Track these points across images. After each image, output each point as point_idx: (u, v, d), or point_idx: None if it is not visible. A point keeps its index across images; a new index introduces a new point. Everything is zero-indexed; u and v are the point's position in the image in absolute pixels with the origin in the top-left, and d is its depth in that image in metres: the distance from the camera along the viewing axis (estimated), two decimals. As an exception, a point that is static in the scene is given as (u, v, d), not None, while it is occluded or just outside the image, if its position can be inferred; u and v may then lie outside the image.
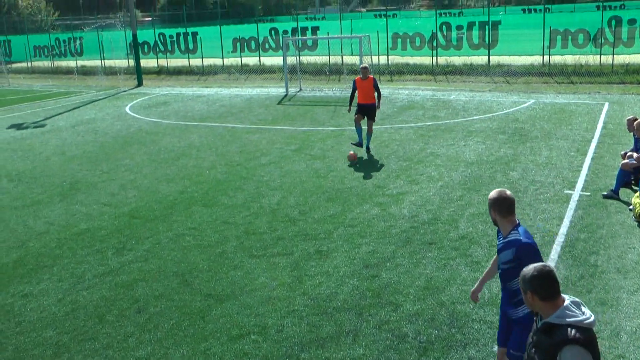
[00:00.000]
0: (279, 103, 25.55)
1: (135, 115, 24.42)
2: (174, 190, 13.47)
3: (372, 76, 16.12)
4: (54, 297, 8.79)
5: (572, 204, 11.15)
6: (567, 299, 3.96)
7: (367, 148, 15.85)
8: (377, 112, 16.23)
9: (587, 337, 3.80)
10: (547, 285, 3.95)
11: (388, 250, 9.62)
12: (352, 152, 12.88)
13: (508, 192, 5.33)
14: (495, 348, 6.83)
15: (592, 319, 3.88)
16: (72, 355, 7.27)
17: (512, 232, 5.22)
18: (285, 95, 27.78)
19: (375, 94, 15.92)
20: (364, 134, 16.01)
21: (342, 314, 7.80)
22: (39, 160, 17.33)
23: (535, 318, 4.16)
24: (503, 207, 5.25)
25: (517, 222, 5.29)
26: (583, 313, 3.91)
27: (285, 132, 19.13)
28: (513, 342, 5.40)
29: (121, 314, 8.18)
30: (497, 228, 5.50)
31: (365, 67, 16.02)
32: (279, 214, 11.52)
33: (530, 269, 3.98)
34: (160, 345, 7.37)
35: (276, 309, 8.02)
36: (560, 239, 9.69)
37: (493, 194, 5.31)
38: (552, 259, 8.96)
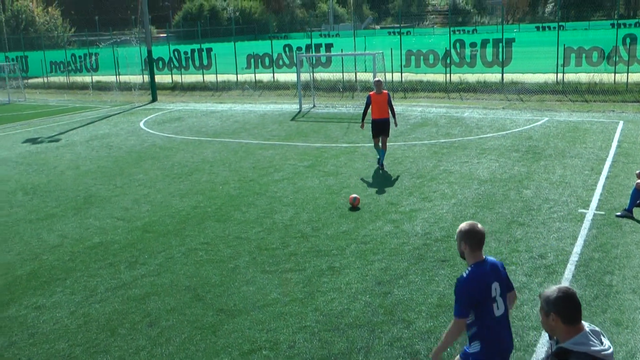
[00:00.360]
0: (293, 119, 25.63)
1: (149, 130, 24.57)
2: (187, 205, 13.51)
3: (386, 91, 16.13)
4: (66, 310, 8.82)
5: (586, 223, 11.08)
6: (587, 326, 3.87)
7: (381, 164, 15.89)
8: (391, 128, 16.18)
9: None
10: (572, 308, 3.84)
11: (400, 267, 9.60)
12: (355, 196, 12.71)
13: (480, 225, 5.23)
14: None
15: (610, 351, 3.77)
16: (84, 369, 7.29)
17: (468, 267, 5.19)
18: (299, 111, 27.87)
19: (389, 110, 15.89)
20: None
21: (354, 331, 7.77)
22: (54, 174, 17.45)
23: (550, 341, 4.08)
24: (471, 239, 5.16)
25: (482, 259, 5.20)
26: (602, 343, 3.81)
27: (299, 148, 19.18)
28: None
29: (133, 327, 8.19)
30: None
31: (379, 81, 16.04)
32: (291, 229, 11.53)
33: (554, 290, 3.86)
34: (172, 359, 7.37)
35: (288, 325, 8.00)
36: (574, 258, 9.62)
37: (464, 225, 5.21)
38: (566, 279, 8.90)
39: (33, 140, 23.57)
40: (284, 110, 28.72)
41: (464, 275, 5.09)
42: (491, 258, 5.31)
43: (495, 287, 5.14)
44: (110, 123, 27.37)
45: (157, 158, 18.87)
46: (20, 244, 11.64)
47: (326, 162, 17.03)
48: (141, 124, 26.36)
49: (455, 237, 5.29)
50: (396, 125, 16.26)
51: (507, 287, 5.33)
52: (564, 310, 3.82)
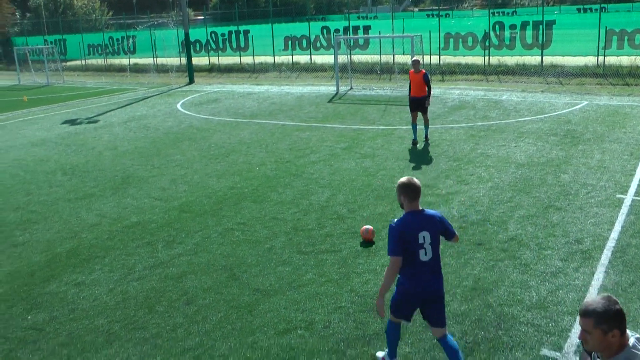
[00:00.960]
0: (330, 101, 25.59)
1: (186, 112, 24.75)
2: (223, 186, 13.61)
3: (423, 70, 16.66)
4: (105, 287, 8.98)
5: (624, 209, 10.91)
6: (631, 335, 3.53)
7: (426, 136, 16.86)
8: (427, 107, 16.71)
9: None
10: (624, 318, 3.48)
11: (436, 250, 9.56)
12: (368, 228, 10.14)
13: (416, 180, 6.01)
14: (543, 351, 6.77)
15: None
16: (123, 343, 7.42)
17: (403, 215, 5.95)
18: (336, 93, 27.81)
19: (426, 89, 16.41)
20: (419, 132, 16.92)
21: (389, 312, 7.77)
22: (92, 154, 17.71)
23: (585, 357, 3.80)
24: (408, 192, 5.92)
25: (419, 210, 5.95)
26: None
27: (336, 130, 19.16)
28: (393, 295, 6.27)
29: (170, 305, 8.31)
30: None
31: (416, 60, 16.76)
32: (327, 211, 11.56)
33: (606, 301, 3.42)
34: (208, 337, 7.47)
35: (323, 305, 8.04)
36: (611, 243, 9.49)
37: (403, 179, 5.99)
38: (602, 264, 8.78)
39: (71, 122, 23.92)
40: (321, 92, 28.69)
41: (396, 220, 5.86)
42: (431, 211, 6.05)
43: (424, 236, 5.85)
44: (148, 105, 27.64)
45: (194, 139, 19.02)
46: (60, 222, 11.86)
47: (363, 144, 17.00)
48: (178, 106, 26.57)
49: (395, 190, 6.08)
50: (427, 104, 16.60)
51: (448, 235, 6.08)
52: (623, 322, 3.46)
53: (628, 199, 11.40)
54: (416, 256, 5.86)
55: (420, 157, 15.28)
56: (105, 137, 20.24)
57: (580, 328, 3.59)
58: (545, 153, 14.89)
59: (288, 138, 18.35)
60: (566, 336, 7.02)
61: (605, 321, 3.37)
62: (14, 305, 8.60)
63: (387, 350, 6.65)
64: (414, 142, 16.52)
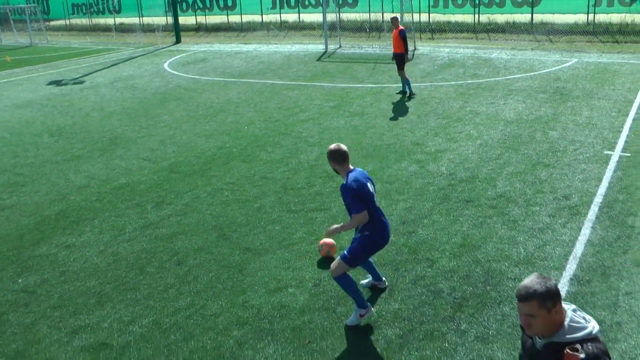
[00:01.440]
0: (318, 60, 25.41)
1: (173, 72, 24.53)
2: (212, 146, 13.57)
3: (401, 27, 17.41)
4: (95, 249, 8.98)
5: (612, 165, 10.96)
6: (567, 308, 3.44)
7: (403, 92, 17.56)
8: (406, 62, 17.38)
9: (604, 348, 3.32)
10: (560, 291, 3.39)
11: (425, 207, 9.61)
12: (328, 242, 8.26)
13: (343, 145, 6.39)
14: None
15: (597, 324, 3.40)
16: (115, 305, 7.45)
17: (345, 177, 6.29)
18: (325, 52, 27.61)
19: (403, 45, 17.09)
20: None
21: (379, 269, 7.83)
22: (79, 116, 17.56)
23: (526, 340, 3.61)
24: (338, 157, 6.31)
25: (351, 169, 6.37)
26: (588, 320, 3.41)
27: (324, 89, 19.07)
28: (350, 248, 6.50)
29: (161, 266, 8.34)
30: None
31: (394, 18, 17.65)
32: (317, 169, 11.56)
33: (543, 278, 3.33)
34: (200, 296, 7.51)
35: (313, 263, 8.09)
36: (598, 199, 9.56)
37: (332, 147, 6.37)
38: (589, 219, 8.86)
39: (57, 83, 23.66)
40: (310, 50, 28.47)
41: (346, 182, 6.20)
42: (358, 168, 6.49)
43: (370, 186, 6.38)
44: (134, 65, 27.36)
45: (182, 99, 18.89)
46: (48, 184, 11.80)
47: (352, 102, 16.94)
48: (165, 66, 26.32)
49: (328, 158, 6.40)
50: (407, 59, 17.35)
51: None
52: (560, 296, 3.37)
53: (615, 155, 11.46)
54: (375, 205, 6.38)
55: (409, 115, 15.25)
56: (92, 98, 20.05)
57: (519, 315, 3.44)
58: (534, 110, 14.89)
59: (277, 97, 18.25)
60: (554, 291, 7.09)
61: (550, 299, 3.28)
62: (4, 268, 8.60)
63: (355, 306, 6.75)
64: (403, 92, 17.55)
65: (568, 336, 3.30)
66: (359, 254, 6.50)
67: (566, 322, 3.34)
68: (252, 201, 10.27)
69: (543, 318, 3.29)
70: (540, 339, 3.42)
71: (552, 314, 3.29)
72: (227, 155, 12.85)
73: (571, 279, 7.33)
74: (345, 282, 6.57)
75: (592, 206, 9.31)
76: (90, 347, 6.67)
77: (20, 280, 8.21)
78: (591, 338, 3.30)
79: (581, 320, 3.37)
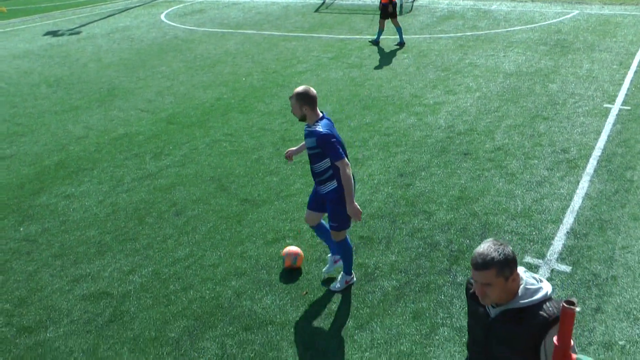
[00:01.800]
0: (316, 11, 25.11)
1: (170, 23, 24.25)
2: (210, 97, 13.52)
3: None
4: (95, 199, 9.03)
5: (611, 118, 10.96)
6: (523, 272, 3.28)
7: (399, 44, 17.57)
8: (389, 10, 17.16)
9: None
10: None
11: (423, 160, 9.64)
12: (293, 250, 7.01)
13: (312, 88, 5.93)
14: (526, 258, 6.92)
15: (549, 285, 3.26)
16: (115, 254, 7.53)
17: (315, 123, 5.89)
18: (323, 2, 27.26)
19: None
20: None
21: (376, 221, 7.90)
22: (76, 66, 17.43)
23: (476, 309, 3.40)
24: (312, 100, 5.87)
25: (321, 114, 5.97)
26: (539, 280, 3.26)
27: (322, 40, 18.90)
28: (330, 217, 6.15)
29: (160, 216, 8.39)
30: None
31: None
32: (314, 122, 11.53)
33: (501, 245, 3.14)
34: (198, 247, 7.58)
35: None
36: (597, 152, 9.58)
37: (303, 89, 5.86)
38: (587, 173, 8.89)
39: (54, 33, 23.40)
40: (308, 1, 28.12)
41: (320, 129, 5.78)
42: (325, 114, 6.05)
43: (338, 133, 6.04)
44: (131, 15, 27.03)
45: (179, 50, 18.74)
46: (47, 135, 11.79)
47: (350, 54, 16.82)
48: (162, 17, 26.00)
49: (293, 102, 5.89)
50: (389, 10, 17.17)
51: None
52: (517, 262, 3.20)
53: (615, 108, 11.44)
54: (345, 153, 6.00)
55: (407, 67, 15.16)
56: (89, 49, 19.87)
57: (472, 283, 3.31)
58: (534, 63, 14.81)
59: (274, 48, 18.10)
60: (549, 244, 7.18)
61: (507, 266, 3.09)
62: (6, 217, 8.66)
63: (343, 272, 6.62)
64: (376, 43, 17.72)
65: (522, 301, 3.15)
66: (345, 214, 6.05)
67: (521, 286, 3.18)
68: (250, 152, 10.29)
69: (500, 286, 3.10)
70: (493, 307, 3.24)
71: (509, 282, 3.11)
72: (225, 106, 12.82)
73: (568, 232, 7.40)
74: (346, 246, 6.36)
75: (591, 160, 9.34)
76: (91, 296, 6.77)
77: (21, 229, 8.28)
78: (548, 299, 3.16)
79: (533, 281, 3.20)
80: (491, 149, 9.87)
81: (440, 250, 7.22)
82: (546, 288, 3.19)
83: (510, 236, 7.39)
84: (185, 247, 7.58)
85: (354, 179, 6.02)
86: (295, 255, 6.94)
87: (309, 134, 5.91)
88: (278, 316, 6.22)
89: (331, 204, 6.08)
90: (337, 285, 6.60)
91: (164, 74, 15.90)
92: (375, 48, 17.36)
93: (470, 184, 8.76)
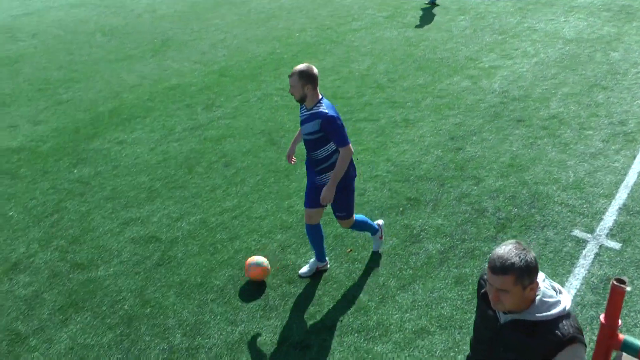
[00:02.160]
0: (373, -32, 24.73)
1: (226, -27, 24.16)
2: (263, 51, 13.50)
3: None
4: (146, 146, 9.16)
5: (674, 90, 10.63)
6: (539, 278, 2.98)
7: (430, 2, 17.20)
8: None
9: (578, 324, 2.95)
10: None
11: (475, 124, 9.51)
12: (261, 265, 6.15)
13: (314, 67, 5.47)
14: (575, 232, 6.83)
15: (568, 296, 3.01)
16: (164, 201, 7.67)
17: (317, 105, 5.44)
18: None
19: None
20: None
21: (424, 183, 7.86)
22: (131, 17, 17.54)
23: (485, 309, 3.17)
24: (316, 80, 5.42)
25: (321, 95, 5.50)
26: (558, 291, 3.01)
27: (378, -1, 18.66)
28: (336, 207, 5.83)
29: (210, 166, 8.49)
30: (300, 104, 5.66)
31: None
32: (367, 79, 11.46)
33: (524, 250, 2.87)
34: (246, 199, 7.66)
35: (359, 173, 8.13)
36: (657, 125, 9.33)
37: (305, 67, 5.39)
38: (645, 147, 8.68)
39: (112, -20, 23.54)
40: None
41: (325, 110, 5.37)
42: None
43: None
44: (188, -35, 27.00)
45: (233, 4, 18.69)
46: (101, 82, 11.95)
47: (406, 13, 16.56)
48: (219, -33, 25.91)
49: (294, 80, 5.37)
50: None
51: None
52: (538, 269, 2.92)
53: (677, 81, 11.09)
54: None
55: (463, 29, 14.87)
56: (144, 0, 19.98)
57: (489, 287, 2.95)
58: (596, 29, 14.38)
59: (329, 4, 17.92)
60: (599, 218, 7.06)
61: (528, 274, 2.82)
62: (61, 159, 8.87)
63: (371, 235, 6.45)
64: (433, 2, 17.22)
65: (539, 314, 2.90)
66: (351, 200, 5.83)
67: (538, 297, 2.92)
68: (297, 108, 10.26)
69: (517, 295, 2.85)
70: (505, 313, 2.99)
71: (527, 291, 2.85)
72: (277, 61, 12.79)
73: (620, 208, 7.26)
74: (359, 224, 6.09)
75: (648, 133, 9.11)
76: (140, 239, 6.92)
77: (75, 171, 8.48)
78: (564, 315, 2.92)
79: (552, 292, 2.96)
80: (545, 117, 9.68)
81: (487, 217, 7.16)
82: (565, 302, 2.94)
83: (560, 208, 7.28)
84: (233, 198, 7.67)
85: (355, 171, 5.79)
86: (264, 270, 6.10)
87: (310, 117, 5.44)
88: (321, 271, 6.27)
89: (337, 194, 5.67)
90: (375, 246, 6.54)
91: (217, 26, 15.91)
92: (431, 8, 17.06)
93: (522, 151, 8.63)
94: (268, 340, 5.42)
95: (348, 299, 5.85)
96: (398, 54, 12.93)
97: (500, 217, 7.14)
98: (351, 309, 5.72)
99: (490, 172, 8.10)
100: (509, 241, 2.91)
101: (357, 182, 7.89)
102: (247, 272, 6.09)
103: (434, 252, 6.54)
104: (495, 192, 7.64)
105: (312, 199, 5.85)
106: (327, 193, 5.51)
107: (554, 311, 2.89)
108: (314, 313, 5.68)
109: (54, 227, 7.34)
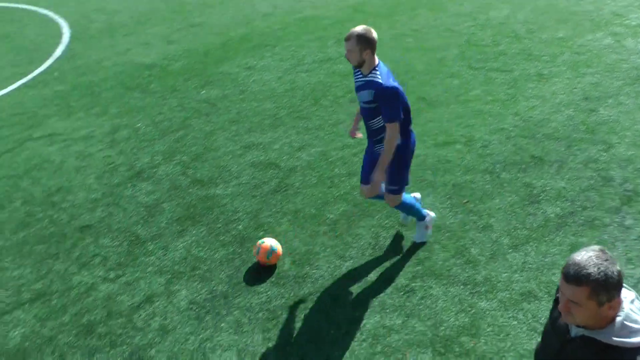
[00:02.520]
0: None
1: None
2: (399, -11, 13.27)
3: None
4: (274, 74, 9.30)
5: None
6: (625, 296, 2.57)
7: None
8: None
9: None
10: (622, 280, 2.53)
11: (613, 86, 9.02)
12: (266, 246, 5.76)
13: (373, 30, 5.00)
14: None
15: None
16: (287, 129, 7.80)
17: (372, 72, 4.94)
18: None
19: None
20: None
21: (551, 143, 7.58)
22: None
23: (557, 315, 2.81)
24: (374, 44, 4.92)
25: (378, 61, 5.00)
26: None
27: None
28: (388, 179, 5.28)
29: (335, 100, 8.52)
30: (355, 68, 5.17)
31: None
32: (505, 28, 11.04)
33: (608, 261, 2.45)
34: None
35: (486, 124, 7.94)
36: None
37: (364, 30, 4.91)
38: None
39: None
40: None
41: (380, 80, 4.87)
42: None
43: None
44: None
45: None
46: (234, 8, 12.15)
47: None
48: None
49: (352, 44, 4.89)
50: None
51: None
52: (622, 285, 2.51)
53: None
54: (408, 105, 5.23)
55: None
56: None
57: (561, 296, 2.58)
58: None
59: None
60: None
61: (606, 290, 2.42)
62: (190, 79, 9.16)
63: (417, 221, 5.87)
64: None
65: (616, 338, 2.47)
66: (404, 175, 5.37)
67: (619, 319, 2.49)
68: (434, 51, 10.08)
69: (590, 311, 2.46)
70: (577, 326, 2.61)
71: (604, 308, 2.45)
72: (413, 1, 12.53)
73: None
74: (405, 205, 5.58)
75: None
76: (260, 164, 7.11)
77: (203, 92, 8.75)
78: None
79: (638, 319, 2.51)
80: (693, 86, 9.06)
81: (613, 186, 6.83)
82: None
83: (696, 183, 6.86)
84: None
85: (414, 145, 5.35)
86: (275, 255, 5.73)
87: (366, 85, 5.00)
88: (433, 216, 6.22)
89: (390, 166, 5.20)
90: (417, 236, 5.89)
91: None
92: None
93: (662, 119, 8.14)
94: (374, 279, 5.48)
95: (458, 250, 5.80)
96: (540, 3, 12.35)
97: (627, 188, 6.80)
98: (460, 260, 5.67)
99: (623, 139, 7.69)
100: (593, 247, 2.51)
101: (482, 133, 7.72)
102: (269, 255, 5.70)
103: (552, 215, 6.34)
104: (626, 162, 7.27)
105: (369, 172, 5.44)
106: (377, 177, 5.05)
107: (635, 340, 2.47)
108: (423, 259, 5.69)
109: (178, 143, 7.64)
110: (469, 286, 5.36)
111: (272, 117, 8.08)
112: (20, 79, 10.99)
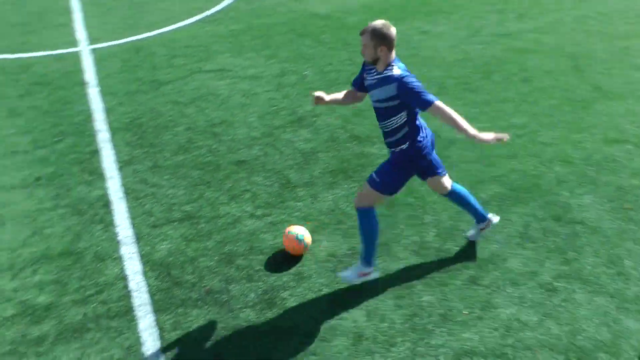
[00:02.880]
0: None
1: None
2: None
3: None
4: (448, 42, 9.11)
5: None
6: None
7: None
8: None
9: None
10: None
11: None
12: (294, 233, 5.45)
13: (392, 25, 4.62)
14: None
15: None
16: (452, 100, 7.49)
17: (388, 68, 4.58)
18: None
19: None
20: None
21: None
22: None
23: None
24: (392, 41, 4.55)
25: (395, 58, 4.66)
26: None
27: None
28: (377, 170, 4.86)
29: (507, 78, 8.25)
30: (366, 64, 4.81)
31: None
32: None
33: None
34: (535, 120, 7.36)
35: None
36: None
37: (381, 25, 4.52)
38: None
39: None
40: None
41: (399, 73, 4.50)
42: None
43: None
44: None
45: None
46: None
47: None
48: None
49: (366, 39, 4.53)
50: None
51: None
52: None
53: None
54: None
55: None
56: None
57: None
58: None
59: None
60: None
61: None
62: (364, 34, 9.14)
63: (360, 259, 5.15)
64: None
65: None
66: (394, 179, 4.84)
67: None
68: (619, 39, 9.45)
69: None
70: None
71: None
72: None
73: None
74: (370, 222, 4.93)
75: None
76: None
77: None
78: None
79: None
80: None
81: None
82: None
83: None
84: (523, 116, 7.41)
85: (411, 160, 4.81)
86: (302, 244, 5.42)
87: (380, 82, 4.60)
88: (589, 216, 5.86)
89: (388, 163, 4.88)
90: (346, 274, 5.11)
91: None
92: None
93: None
94: (516, 269, 5.29)
95: (611, 259, 5.42)
96: None
97: None
98: (611, 270, 5.31)
99: None
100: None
101: None
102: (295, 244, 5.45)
103: None
104: None
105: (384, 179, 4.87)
106: (483, 138, 4.52)
107: None
108: (571, 259, 5.39)
109: (343, 96, 7.69)
110: (616, 299, 5.00)
111: (438, 85, 7.94)
112: (197, 14, 11.46)
